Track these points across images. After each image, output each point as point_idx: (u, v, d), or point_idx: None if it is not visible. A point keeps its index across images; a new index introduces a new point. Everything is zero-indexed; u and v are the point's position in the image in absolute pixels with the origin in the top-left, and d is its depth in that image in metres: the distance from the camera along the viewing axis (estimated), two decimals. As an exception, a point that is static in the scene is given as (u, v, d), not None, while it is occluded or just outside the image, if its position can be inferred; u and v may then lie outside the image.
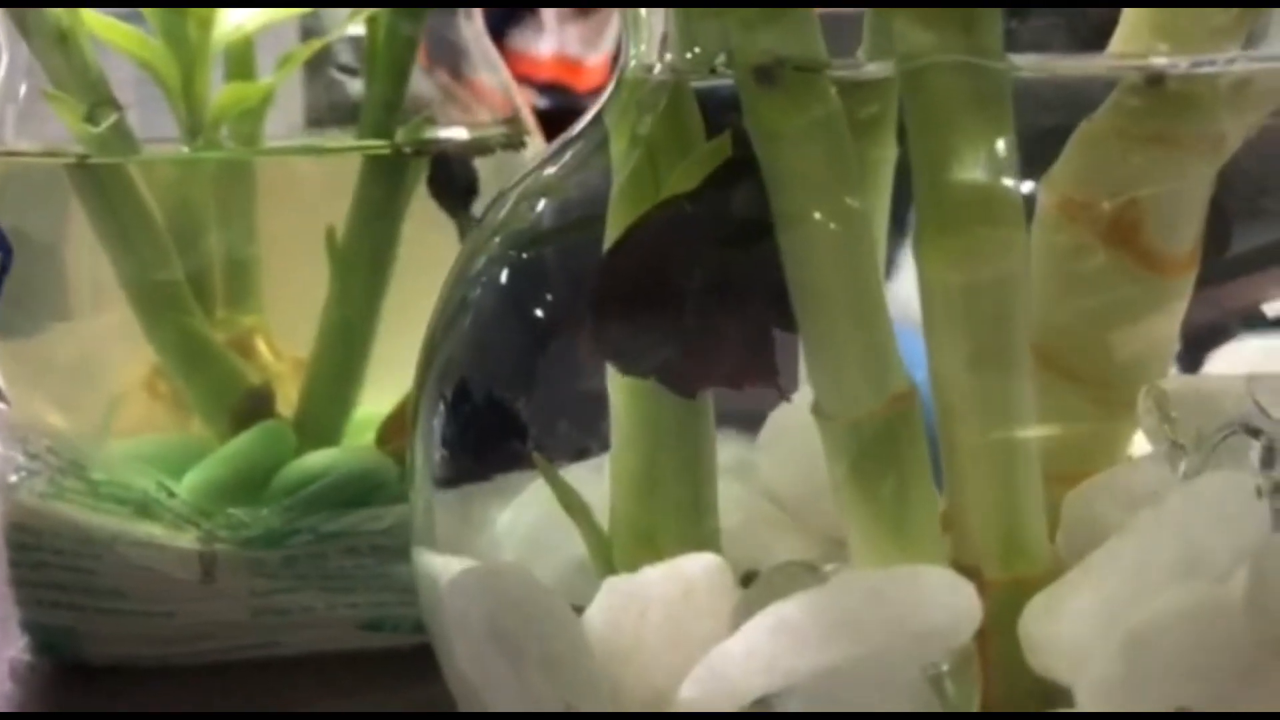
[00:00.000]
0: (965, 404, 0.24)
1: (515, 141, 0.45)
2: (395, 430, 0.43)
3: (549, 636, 0.24)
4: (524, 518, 0.31)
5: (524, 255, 0.30)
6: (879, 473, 0.24)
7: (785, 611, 0.23)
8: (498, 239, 0.30)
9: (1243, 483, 0.24)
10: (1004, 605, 0.24)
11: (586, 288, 0.26)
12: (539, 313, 0.30)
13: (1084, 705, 0.22)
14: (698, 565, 0.25)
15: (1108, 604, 0.22)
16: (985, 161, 0.23)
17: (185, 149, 0.45)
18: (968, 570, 0.24)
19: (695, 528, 0.28)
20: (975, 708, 0.23)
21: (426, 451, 0.30)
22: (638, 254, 0.24)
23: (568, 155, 0.30)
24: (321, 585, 0.41)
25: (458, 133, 0.45)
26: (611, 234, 0.27)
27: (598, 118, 0.29)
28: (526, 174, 0.31)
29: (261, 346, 0.47)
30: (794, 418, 0.29)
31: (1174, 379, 0.27)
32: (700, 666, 0.24)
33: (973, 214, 0.23)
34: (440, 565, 0.28)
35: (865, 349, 0.24)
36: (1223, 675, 0.21)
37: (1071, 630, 0.23)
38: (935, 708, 0.21)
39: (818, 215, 0.23)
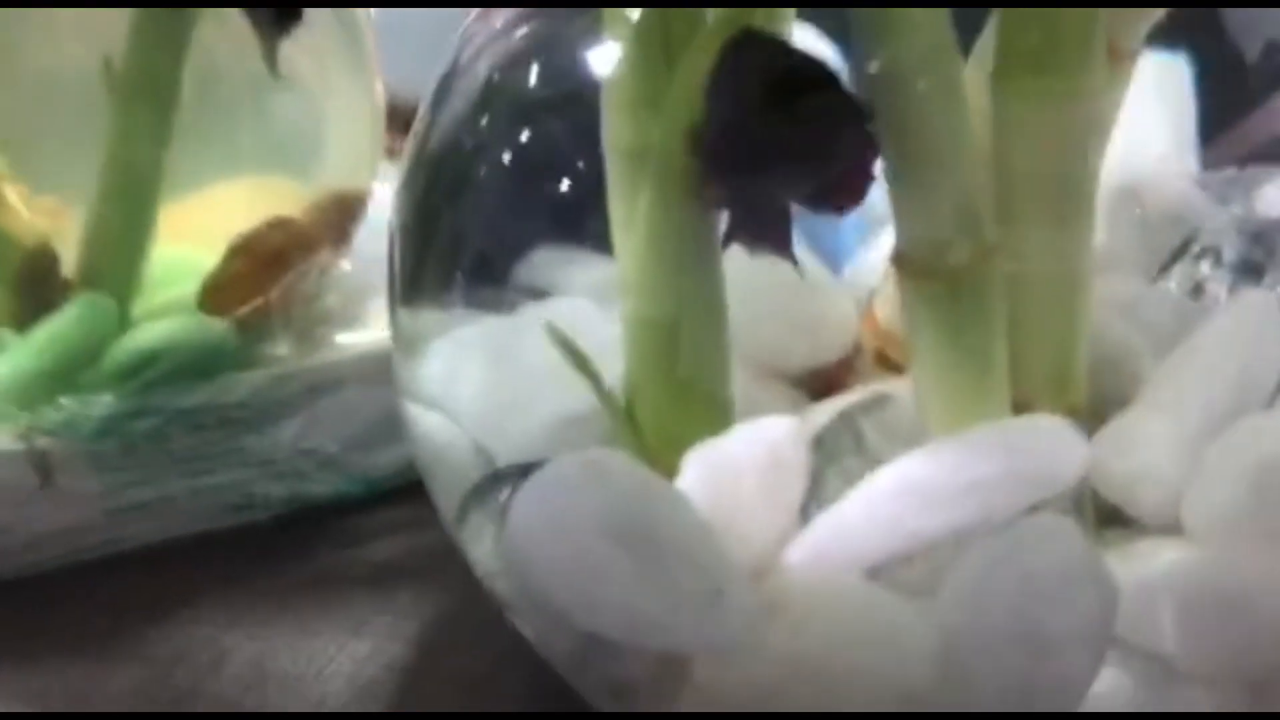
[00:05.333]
0: (1036, 243, 0.24)
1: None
2: (223, 296, 0.39)
3: (680, 526, 0.22)
4: (484, 373, 0.30)
5: (526, 130, 0.28)
6: (968, 321, 0.24)
7: (908, 472, 0.23)
8: (487, 116, 0.28)
9: (1270, 300, 0.26)
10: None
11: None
12: (554, 185, 0.28)
13: (1199, 538, 0.23)
14: (780, 429, 0.24)
15: (1186, 436, 0.24)
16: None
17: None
18: (1022, 404, 0.25)
19: (722, 386, 0.27)
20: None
21: (439, 322, 0.28)
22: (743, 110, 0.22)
23: (541, 17, 0.28)
24: (176, 470, 0.37)
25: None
26: (617, 99, 0.25)
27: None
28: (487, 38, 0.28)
29: (10, 194, 0.41)
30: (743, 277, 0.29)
31: (1143, 187, 0.29)
32: (810, 532, 0.24)
33: (1062, 57, 0.23)
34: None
35: (961, 202, 0.23)
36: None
37: (1153, 463, 0.24)
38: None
39: (927, 76, 0.23)
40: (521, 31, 0.29)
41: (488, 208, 0.28)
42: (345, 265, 0.40)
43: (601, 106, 0.26)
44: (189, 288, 0.40)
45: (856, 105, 0.22)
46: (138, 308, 0.40)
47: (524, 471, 0.28)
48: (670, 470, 0.25)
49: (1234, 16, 0.28)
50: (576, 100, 0.27)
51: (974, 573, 0.22)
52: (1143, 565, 0.23)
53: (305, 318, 0.39)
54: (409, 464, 0.40)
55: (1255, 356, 0.25)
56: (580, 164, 0.27)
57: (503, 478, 0.28)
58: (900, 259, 0.24)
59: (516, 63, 0.29)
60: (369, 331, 0.40)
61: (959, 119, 0.23)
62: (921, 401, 0.25)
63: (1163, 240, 0.29)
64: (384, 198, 0.44)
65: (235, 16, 0.39)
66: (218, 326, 0.38)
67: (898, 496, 0.23)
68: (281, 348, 0.39)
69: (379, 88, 0.41)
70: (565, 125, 0.28)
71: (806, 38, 0.28)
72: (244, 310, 0.38)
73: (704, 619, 0.22)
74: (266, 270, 0.39)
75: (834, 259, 0.34)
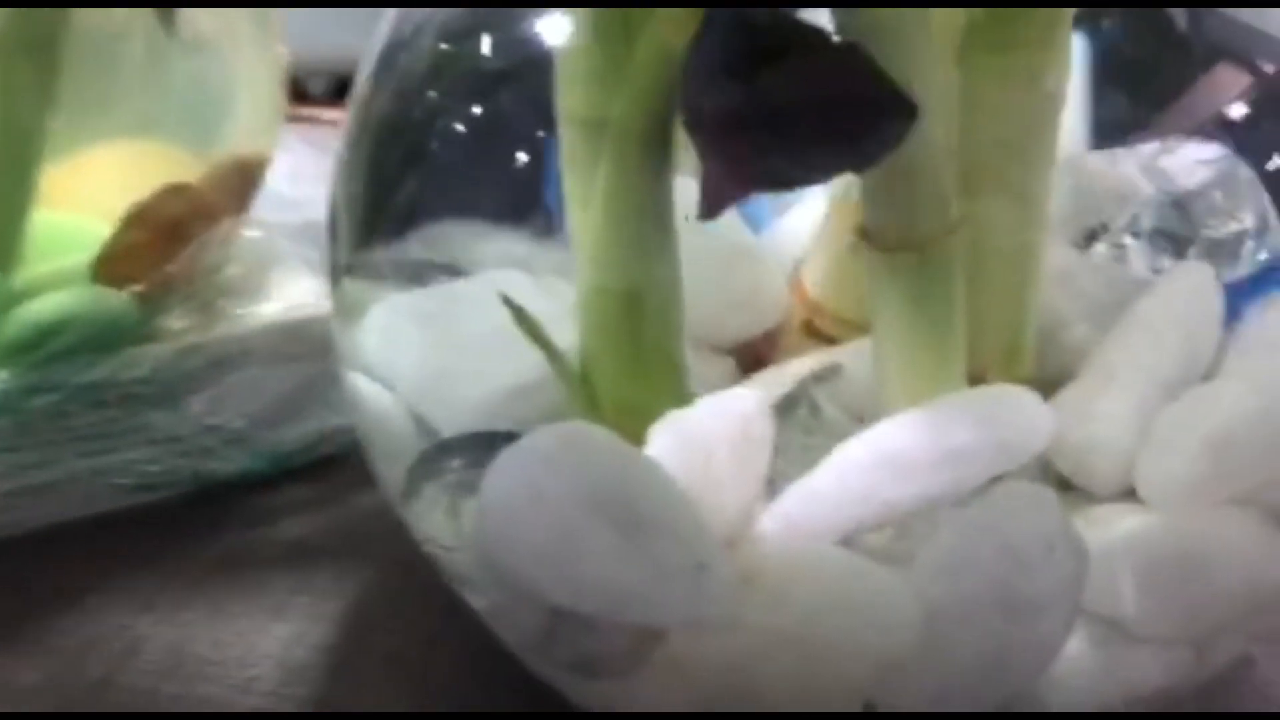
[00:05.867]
0: (995, 216, 0.25)
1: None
2: (121, 266, 0.37)
3: (661, 499, 0.22)
4: (426, 344, 0.29)
5: (480, 104, 0.27)
6: (933, 293, 0.24)
7: (881, 442, 0.23)
8: (436, 91, 0.27)
9: (1207, 271, 0.27)
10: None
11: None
12: (513, 156, 0.27)
13: (1157, 505, 0.24)
14: (749, 402, 0.24)
15: (1138, 406, 0.25)
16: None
17: None
18: (976, 376, 0.26)
19: (679, 355, 0.27)
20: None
21: (384, 292, 0.27)
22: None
23: None
24: (76, 449, 0.35)
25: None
26: (573, 71, 0.25)
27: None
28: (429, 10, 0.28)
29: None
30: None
31: (1081, 158, 0.30)
32: (782, 502, 0.24)
33: (1030, 35, 0.24)
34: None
35: (931, 176, 0.24)
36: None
37: (1108, 434, 0.25)
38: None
39: (900, 52, 0.22)
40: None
41: (439, 178, 0.28)
42: (251, 233, 0.38)
43: (556, 77, 0.26)
44: (76, 257, 0.38)
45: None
46: (18, 278, 0.38)
47: (475, 442, 0.28)
48: (629, 440, 0.25)
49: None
50: (528, 71, 0.26)
51: (954, 540, 0.22)
52: (1102, 531, 0.24)
53: (208, 289, 0.38)
54: (317, 440, 0.39)
55: (1196, 327, 0.26)
56: (531, 135, 0.27)
57: (452, 448, 0.28)
58: (868, 231, 0.24)
59: (467, 33, 0.28)
60: (273, 303, 0.39)
61: (931, 93, 0.23)
62: (881, 372, 0.25)
63: (1090, 210, 0.30)
64: (283, 166, 0.42)
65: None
66: (118, 298, 0.36)
67: (872, 467, 0.23)
68: (182, 320, 0.37)
69: (281, 51, 0.40)
70: (517, 96, 0.28)
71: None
72: (145, 281, 0.36)
73: (687, 593, 0.22)
74: (167, 240, 0.37)
75: (751, 226, 0.34)
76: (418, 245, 0.28)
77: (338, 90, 0.94)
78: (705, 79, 0.22)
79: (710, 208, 0.24)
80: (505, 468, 0.23)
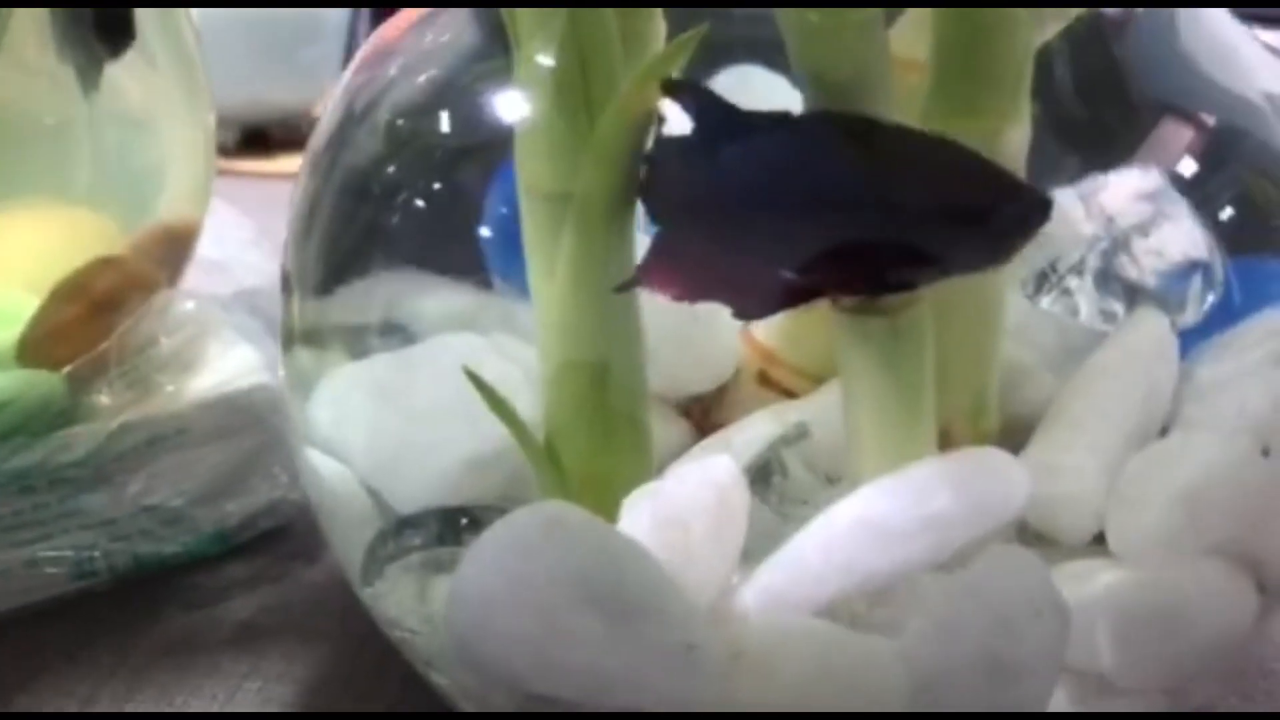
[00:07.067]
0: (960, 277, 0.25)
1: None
2: (52, 345, 0.36)
3: (645, 581, 0.22)
4: (380, 415, 0.28)
5: (441, 180, 0.27)
6: (905, 355, 0.24)
7: (863, 510, 0.23)
8: (393, 166, 0.27)
9: (1162, 319, 0.27)
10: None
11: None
12: (476, 233, 0.27)
13: (1131, 559, 0.24)
14: (722, 471, 0.24)
15: (1105, 458, 0.25)
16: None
17: None
18: (942, 433, 0.26)
19: (646, 424, 0.27)
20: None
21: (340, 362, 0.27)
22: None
23: (442, 65, 0.27)
24: (8, 540, 0.34)
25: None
26: (534, 145, 0.25)
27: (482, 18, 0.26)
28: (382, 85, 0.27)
29: None
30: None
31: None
32: (762, 574, 0.24)
33: (995, 98, 0.24)
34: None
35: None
36: (1256, 517, 0.24)
37: (1077, 488, 0.25)
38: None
39: (864, 101, 0.23)
40: (422, 79, 0.28)
41: (399, 252, 0.27)
42: (183, 304, 0.37)
43: (515, 152, 0.25)
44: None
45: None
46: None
47: (436, 518, 0.27)
48: (598, 512, 0.25)
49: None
50: (486, 146, 0.26)
51: (943, 608, 0.22)
52: (1078, 587, 0.24)
53: (141, 364, 0.36)
54: (257, 515, 0.38)
55: (1156, 376, 0.26)
56: (489, 209, 0.27)
57: (411, 525, 0.27)
58: (842, 302, 0.24)
59: (423, 110, 0.28)
60: (208, 376, 0.38)
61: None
62: (854, 435, 0.25)
63: (1037, 252, 0.30)
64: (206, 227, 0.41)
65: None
66: (49, 381, 0.35)
67: (852, 535, 0.23)
68: (114, 398, 0.36)
69: (211, 119, 0.39)
70: (476, 170, 0.28)
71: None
72: (77, 360, 0.35)
73: (677, 674, 0.22)
74: (99, 315, 0.36)
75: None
76: (372, 309, 0.28)
77: (247, 141, 0.93)
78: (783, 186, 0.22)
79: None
80: (483, 556, 0.22)
